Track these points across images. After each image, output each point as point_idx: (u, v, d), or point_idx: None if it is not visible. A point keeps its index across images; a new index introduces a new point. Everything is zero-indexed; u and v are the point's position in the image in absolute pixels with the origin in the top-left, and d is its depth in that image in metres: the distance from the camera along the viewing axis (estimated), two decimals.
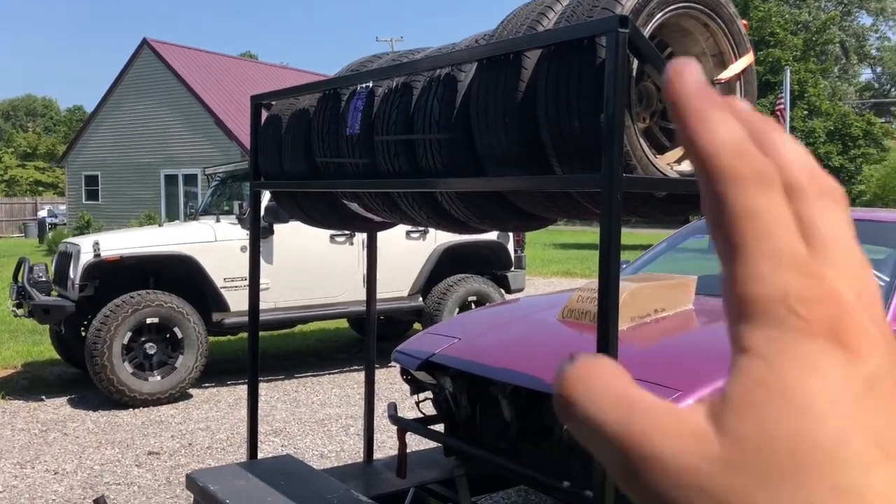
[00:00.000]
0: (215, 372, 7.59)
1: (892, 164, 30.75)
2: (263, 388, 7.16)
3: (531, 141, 2.20)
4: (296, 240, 7.20)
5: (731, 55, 2.26)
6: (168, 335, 6.66)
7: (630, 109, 2.03)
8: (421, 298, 8.01)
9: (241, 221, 7.05)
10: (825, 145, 26.88)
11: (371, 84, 2.81)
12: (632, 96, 2.05)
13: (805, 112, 27.11)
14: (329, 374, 7.69)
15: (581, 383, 0.27)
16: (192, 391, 6.85)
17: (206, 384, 7.16)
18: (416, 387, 3.66)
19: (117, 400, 6.37)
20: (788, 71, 21.91)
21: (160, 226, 8.23)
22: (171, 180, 24.41)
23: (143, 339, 6.55)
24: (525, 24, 2.31)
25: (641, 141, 2.08)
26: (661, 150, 2.36)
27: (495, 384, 3.10)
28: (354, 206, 3.16)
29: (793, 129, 24.87)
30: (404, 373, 3.61)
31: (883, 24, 54.13)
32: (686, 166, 2.27)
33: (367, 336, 4.02)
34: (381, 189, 2.71)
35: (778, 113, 21.58)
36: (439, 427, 3.61)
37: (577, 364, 0.27)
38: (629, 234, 27.55)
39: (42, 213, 33.57)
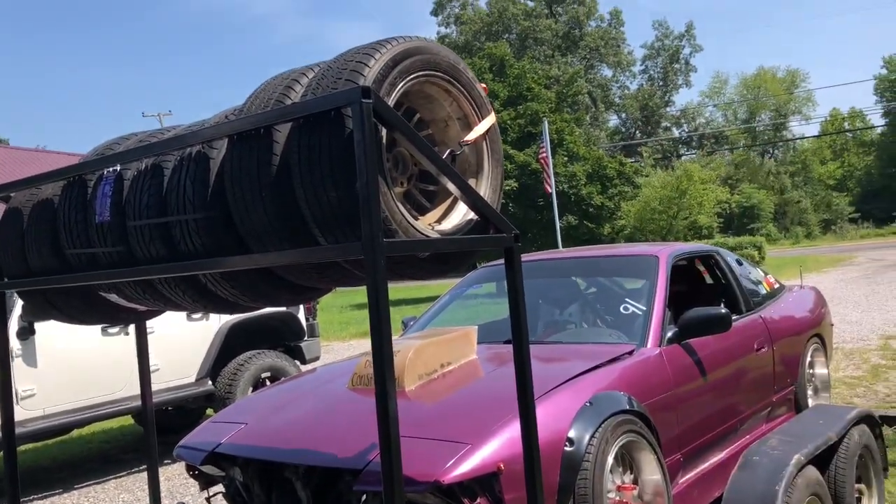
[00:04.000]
0: None
1: (645, 199, 34.12)
2: None
3: (291, 214, 2.16)
4: (63, 337, 6.58)
5: (475, 117, 2.38)
6: None
7: (385, 176, 2.06)
8: (210, 382, 7.60)
9: None
10: (586, 186, 29.25)
11: (119, 167, 2.64)
12: (384, 163, 2.08)
13: (566, 158, 29.39)
14: (115, 478, 7.04)
15: None
16: None
17: None
18: (206, 481, 3.43)
19: None
20: (546, 122, 23.70)
21: None
22: None
23: None
24: (273, 98, 2.28)
25: (399, 205, 2.11)
26: (421, 210, 2.41)
27: (288, 467, 2.97)
28: (114, 298, 2.93)
29: (557, 174, 26.84)
30: (190, 468, 3.37)
31: (621, 75, 60.44)
32: (446, 225, 2.34)
33: (147, 433, 3.71)
34: (136, 277, 2.53)
35: (542, 160, 23.24)
36: None
37: None
38: (421, 287, 28.16)
39: None
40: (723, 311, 3.68)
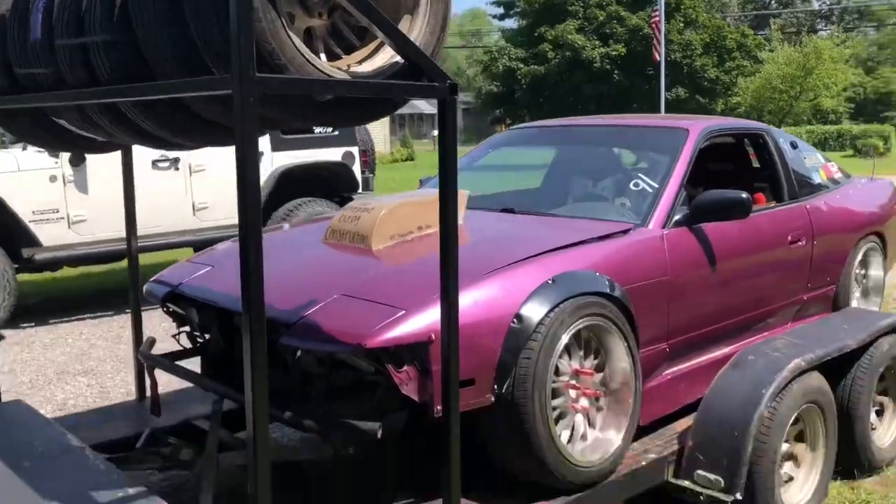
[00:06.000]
0: (40, 312, 7.15)
1: (765, 75, 31.74)
2: (87, 325, 6.80)
3: (186, 42, 1.93)
4: (113, 166, 6.69)
5: None
6: None
7: (276, 4, 1.79)
8: None
9: None
10: (702, 57, 27.39)
11: None
12: None
13: (682, 24, 27.43)
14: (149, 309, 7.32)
15: None
16: (4, 332, 6.41)
17: (25, 324, 6.73)
18: (180, 319, 3.43)
19: None
20: None
21: None
22: None
23: None
24: None
25: (294, 38, 1.84)
26: (349, 49, 2.14)
27: (236, 314, 2.89)
28: (64, 123, 2.83)
29: (669, 42, 25.18)
30: (164, 305, 3.36)
31: None
32: (367, 66, 2.06)
33: (131, 270, 3.75)
34: (51, 103, 2.40)
35: (654, 25, 21.79)
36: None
37: None
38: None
39: None
40: (743, 195, 3.28)
